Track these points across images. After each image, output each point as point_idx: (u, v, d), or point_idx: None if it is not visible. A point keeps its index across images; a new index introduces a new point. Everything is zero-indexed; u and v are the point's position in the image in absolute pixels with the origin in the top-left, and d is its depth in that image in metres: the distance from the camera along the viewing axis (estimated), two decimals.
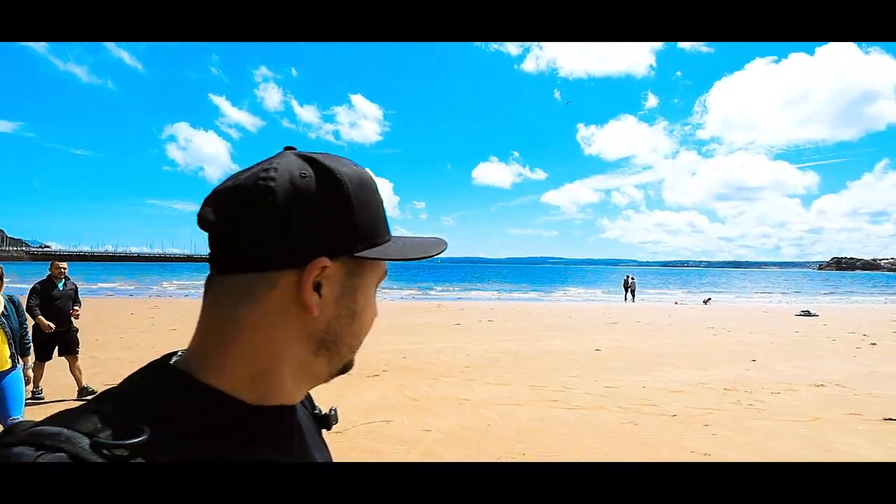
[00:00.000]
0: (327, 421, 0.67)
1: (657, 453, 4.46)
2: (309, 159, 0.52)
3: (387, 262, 0.57)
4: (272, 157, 0.52)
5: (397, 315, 16.59)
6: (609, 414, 5.67)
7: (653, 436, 4.95)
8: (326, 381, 0.57)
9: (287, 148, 0.55)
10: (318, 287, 0.50)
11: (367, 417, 5.35)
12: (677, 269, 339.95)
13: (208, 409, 0.48)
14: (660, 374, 7.78)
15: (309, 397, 0.68)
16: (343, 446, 4.50)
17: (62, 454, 0.39)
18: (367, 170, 0.57)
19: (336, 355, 0.55)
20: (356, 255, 0.52)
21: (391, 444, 4.61)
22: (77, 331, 6.07)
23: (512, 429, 5.09)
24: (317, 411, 0.68)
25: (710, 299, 28.15)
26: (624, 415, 5.64)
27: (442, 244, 0.60)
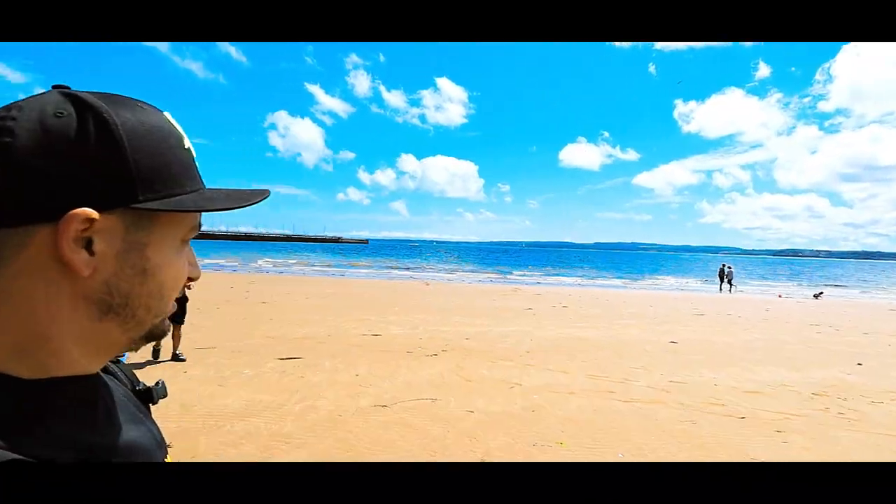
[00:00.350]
0: (151, 395, 0.64)
1: (711, 455, 4.14)
2: (73, 98, 0.45)
3: (200, 215, 0.53)
4: (28, 97, 0.46)
5: (471, 297, 16.73)
6: (667, 410, 5.34)
7: (710, 437, 4.59)
8: (130, 348, 0.52)
9: (55, 87, 0.47)
10: (89, 244, 0.45)
11: (416, 395, 5.52)
12: (789, 259, 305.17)
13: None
14: (738, 372, 7.15)
15: (130, 374, 0.66)
16: (384, 420, 4.70)
17: None
18: (166, 114, 0.52)
19: (131, 319, 0.49)
20: (136, 206, 0.46)
21: (432, 422, 4.72)
22: (187, 301, 6.88)
23: (558, 417, 4.98)
24: (139, 387, 0.64)
25: (821, 293, 25.12)
26: (683, 412, 5.28)
27: (259, 194, 0.54)
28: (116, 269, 0.47)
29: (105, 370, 0.60)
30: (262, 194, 0.55)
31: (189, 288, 0.88)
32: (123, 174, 0.45)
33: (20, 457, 0.39)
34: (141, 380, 0.67)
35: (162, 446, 0.61)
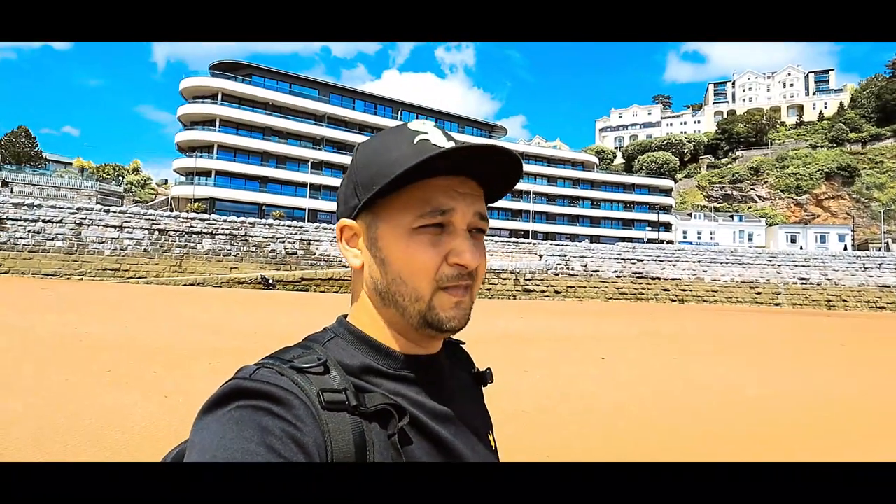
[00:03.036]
0: (483, 378, 0.74)
1: None
2: None
3: (435, 201, 0.56)
4: None
5: None
6: None
7: None
8: (422, 335, 0.60)
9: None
10: (356, 245, 0.61)
11: None
12: None
13: (368, 353, 0.59)
14: None
15: (467, 358, 0.76)
16: None
17: (271, 370, 0.52)
18: (408, 123, 0.61)
19: (397, 304, 0.58)
20: (360, 206, 0.59)
21: None
22: None
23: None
24: (474, 370, 0.75)
25: None
26: None
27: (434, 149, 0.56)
28: (370, 262, 0.60)
29: (454, 354, 0.73)
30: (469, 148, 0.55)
31: (465, 277, 0.58)
32: (355, 188, 0.60)
33: (388, 403, 0.54)
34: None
35: (488, 424, 0.71)
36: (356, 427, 0.51)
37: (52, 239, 26.48)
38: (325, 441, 0.49)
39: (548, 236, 58.55)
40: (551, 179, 64.26)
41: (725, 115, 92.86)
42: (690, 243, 56.89)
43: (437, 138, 0.58)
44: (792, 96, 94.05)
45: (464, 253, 0.56)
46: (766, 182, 75.39)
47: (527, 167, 62.23)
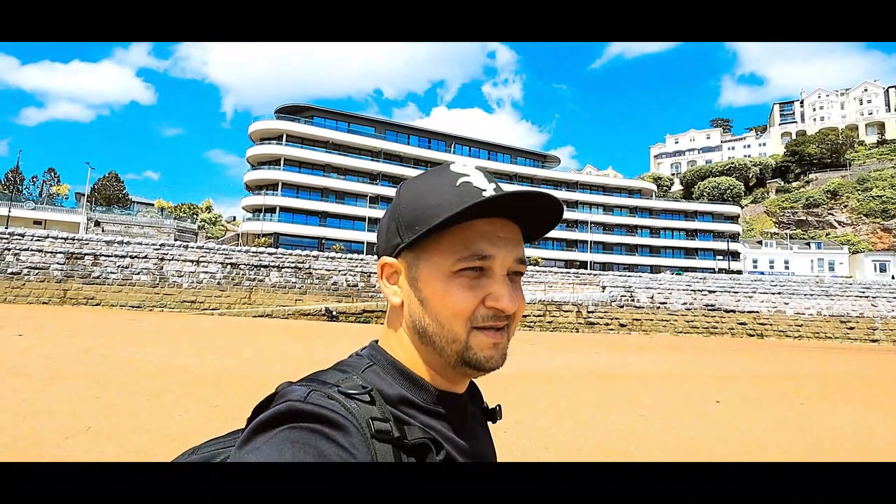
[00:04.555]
0: (493, 415, 0.73)
1: None
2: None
3: (477, 244, 0.57)
4: None
5: None
6: None
7: None
8: (458, 373, 0.60)
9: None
10: (396, 282, 0.62)
11: None
12: None
13: (405, 385, 0.59)
14: None
15: (479, 394, 0.74)
16: None
17: (321, 393, 0.52)
18: (450, 165, 0.62)
19: (434, 345, 0.59)
20: (403, 246, 0.60)
21: None
22: None
23: None
24: (484, 406, 0.74)
25: None
26: None
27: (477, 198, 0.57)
28: (410, 301, 0.60)
29: (469, 389, 0.70)
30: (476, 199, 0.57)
31: (502, 318, 0.62)
32: (398, 227, 0.61)
33: (422, 438, 0.55)
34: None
35: (495, 459, 0.70)
36: (398, 459, 0.51)
37: (138, 273, 28.35)
38: None
39: (605, 267, 56.74)
40: (607, 208, 62.74)
41: (795, 136, 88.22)
42: (762, 273, 53.28)
43: (479, 181, 0.60)
44: (871, 113, 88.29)
45: (502, 298, 0.57)
46: (846, 206, 70.10)
47: (581, 196, 61.41)
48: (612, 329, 34.28)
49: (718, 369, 14.46)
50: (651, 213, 63.65)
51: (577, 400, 8.54)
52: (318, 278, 32.15)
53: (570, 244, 59.96)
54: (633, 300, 36.05)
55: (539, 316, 33.51)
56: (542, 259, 53.07)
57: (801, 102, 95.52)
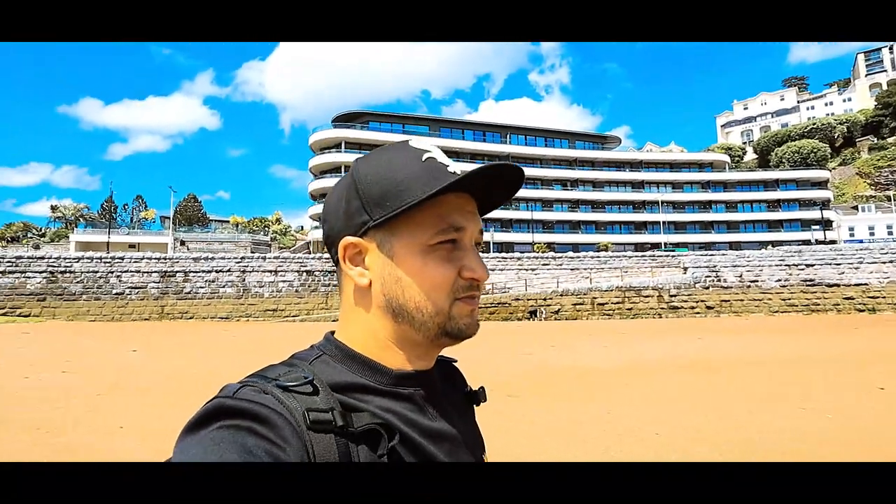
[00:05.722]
0: (476, 397, 0.73)
1: None
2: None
3: (450, 218, 0.58)
4: None
5: None
6: None
7: None
8: (435, 346, 0.61)
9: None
10: (362, 262, 0.60)
11: None
12: None
13: (358, 370, 0.58)
14: None
15: (460, 377, 0.75)
16: None
17: (254, 388, 0.51)
18: (409, 140, 0.61)
19: (414, 320, 0.58)
20: (372, 224, 0.58)
21: None
22: None
23: None
24: (467, 389, 0.74)
25: None
26: None
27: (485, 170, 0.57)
28: (384, 279, 0.59)
29: (446, 371, 0.72)
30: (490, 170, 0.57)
31: (475, 287, 0.61)
32: (362, 205, 0.58)
33: (377, 423, 0.53)
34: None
35: (480, 445, 0.70)
36: (342, 449, 0.51)
37: (224, 286, 29.97)
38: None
39: (678, 247, 53.61)
40: (675, 186, 59.35)
41: (886, 87, 79.20)
42: (861, 241, 48.14)
43: (442, 157, 0.60)
44: None
45: (476, 268, 0.59)
46: None
47: (646, 176, 58.46)
48: (698, 313, 32.17)
49: (853, 350, 12.90)
50: (726, 186, 59.52)
51: (721, 392, 7.73)
52: None
53: (639, 226, 57.31)
54: (718, 280, 33.68)
55: (618, 303, 32.05)
56: (612, 244, 51.04)
57: (892, 48, 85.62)
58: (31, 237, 42.19)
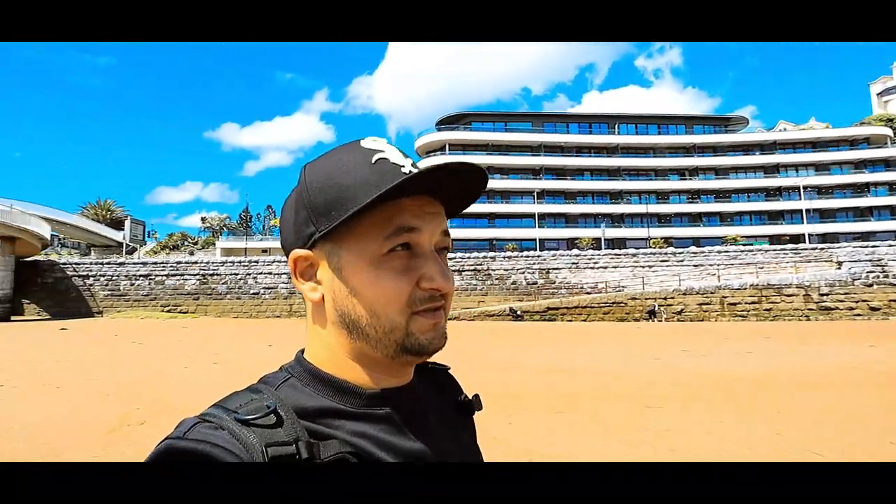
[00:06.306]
0: (470, 406, 0.68)
1: None
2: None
3: (402, 223, 0.53)
4: None
5: None
6: None
7: None
8: (398, 363, 0.56)
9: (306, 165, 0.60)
10: (313, 276, 0.56)
11: None
12: None
13: (327, 393, 0.54)
14: None
15: (454, 386, 0.70)
16: None
17: (209, 425, 0.47)
18: (361, 141, 0.56)
19: (369, 337, 0.54)
20: (318, 235, 0.53)
21: None
22: None
23: None
24: (461, 398, 0.69)
25: None
26: None
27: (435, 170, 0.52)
28: (335, 294, 0.54)
29: (435, 381, 0.67)
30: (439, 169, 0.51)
31: (438, 298, 0.54)
32: (309, 215, 0.54)
33: (346, 453, 0.49)
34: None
35: (474, 455, 0.66)
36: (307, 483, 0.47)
37: None
38: None
39: (825, 238, 46.42)
40: (820, 168, 51.58)
41: None
42: None
43: (396, 156, 0.55)
44: None
45: (435, 277, 0.53)
46: None
47: (782, 158, 51.58)
48: (858, 314, 27.50)
49: None
50: (888, 164, 50.40)
51: None
52: (497, 279, 32.31)
53: (773, 216, 50.76)
54: (885, 276, 28.49)
55: (753, 303, 28.53)
56: (742, 237, 45.79)
57: None
58: (187, 245, 48.94)
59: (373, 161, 0.54)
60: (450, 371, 0.72)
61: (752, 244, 39.97)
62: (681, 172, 53.68)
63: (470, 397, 0.69)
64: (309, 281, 0.56)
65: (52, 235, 34.54)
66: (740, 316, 28.33)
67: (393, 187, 0.49)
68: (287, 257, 0.57)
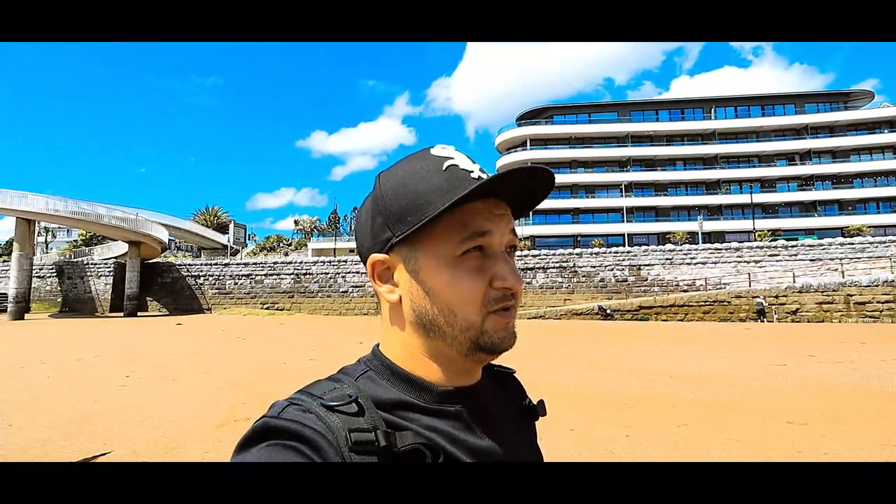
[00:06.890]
0: (534, 411, 0.70)
1: None
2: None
3: (476, 224, 0.56)
4: None
5: None
6: None
7: None
8: (471, 361, 0.58)
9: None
10: (391, 279, 0.59)
11: None
12: None
13: (402, 387, 0.57)
14: None
15: (518, 389, 0.72)
16: None
17: (299, 407, 0.52)
18: (431, 149, 0.59)
19: (445, 336, 0.56)
20: (395, 240, 0.56)
21: None
22: None
23: None
24: (525, 402, 0.71)
25: None
26: None
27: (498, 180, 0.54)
28: (413, 295, 0.57)
29: (501, 383, 0.70)
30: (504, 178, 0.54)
31: (510, 298, 0.57)
32: (385, 221, 0.57)
33: (417, 444, 0.52)
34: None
35: (537, 458, 0.67)
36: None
37: None
38: None
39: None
40: None
41: None
42: None
43: (465, 163, 0.58)
44: None
45: (507, 276, 0.56)
46: None
47: None
48: None
49: None
50: None
51: None
52: (584, 276, 30.98)
53: None
54: None
55: (887, 302, 24.77)
56: (868, 227, 40.11)
57: None
58: (282, 247, 52.36)
59: (443, 168, 0.56)
60: (515, 374, 0.74)
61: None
62: (790, 157, 48.24)
63: (535, 402, 0.70)
64: (386, 283, 0.59)
65: (169, 240, 38.41)
66: (871, 317, 24.73)
67: (467, 193, 0.52)
68: (364, 262, 0.61)
